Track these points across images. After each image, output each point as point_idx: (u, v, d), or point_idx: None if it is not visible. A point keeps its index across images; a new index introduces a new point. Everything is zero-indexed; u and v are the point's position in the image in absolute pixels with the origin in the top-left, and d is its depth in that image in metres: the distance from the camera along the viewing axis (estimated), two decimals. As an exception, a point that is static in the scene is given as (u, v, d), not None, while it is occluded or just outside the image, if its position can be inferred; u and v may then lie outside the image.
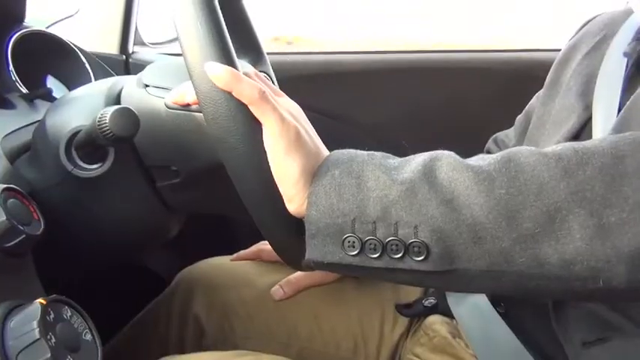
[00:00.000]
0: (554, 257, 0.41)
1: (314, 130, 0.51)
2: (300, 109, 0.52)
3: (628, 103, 0.57)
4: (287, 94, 0.54)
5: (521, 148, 0.45)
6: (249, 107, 0.46)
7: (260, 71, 0.79)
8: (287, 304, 0.76)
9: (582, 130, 0.63)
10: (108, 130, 0.56)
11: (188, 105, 0.57)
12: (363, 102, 1.25)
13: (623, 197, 0.40)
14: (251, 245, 0.82)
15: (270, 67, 0.82)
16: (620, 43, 0.65)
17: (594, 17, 0.76)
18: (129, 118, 0.57)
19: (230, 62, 0.47)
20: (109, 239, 0.68)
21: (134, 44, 1.21)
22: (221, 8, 0.74)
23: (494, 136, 0.88)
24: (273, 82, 0.81)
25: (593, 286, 0.41)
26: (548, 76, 0.77)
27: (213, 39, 0.47)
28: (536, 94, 0.82)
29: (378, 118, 1.25)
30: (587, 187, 0.41)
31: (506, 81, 1.22)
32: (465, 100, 1.23)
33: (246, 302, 0.77)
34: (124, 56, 1.18)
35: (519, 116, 0.84)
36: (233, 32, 0.80)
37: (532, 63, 1.09)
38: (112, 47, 1.17)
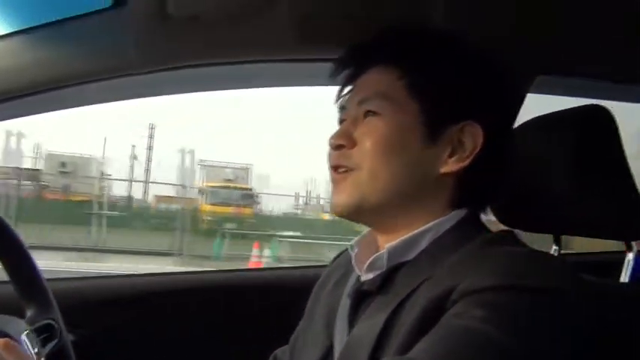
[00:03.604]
0: None
1: None
2: None
3: (346, 340, 0.70)
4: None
5: None
6: None
7: (47, 319, 0.86)
8: None
9: (328, 356, 0.74)
10: None
11: None
12: (168, 321, 1.28)
13: None
14: None
15: (58, 313, 0.88)
16: (350, 283, 0.78)
17: (343, 252, 0.88)
18: None
19: None
20: None
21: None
22: (8, 267, 0.83)
23: (275, 352, 0.93)
24: (58, 327, 0.87)
25: None
26: (309, 300, 0.87)
27: None
28: None
29: (185, 337, 1.26)
30: None
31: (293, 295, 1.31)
32: (257, 316, 1.29)
33: None
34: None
35: (294, 334, 0.90)
36: (19, 285, 0.86)
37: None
38: None
